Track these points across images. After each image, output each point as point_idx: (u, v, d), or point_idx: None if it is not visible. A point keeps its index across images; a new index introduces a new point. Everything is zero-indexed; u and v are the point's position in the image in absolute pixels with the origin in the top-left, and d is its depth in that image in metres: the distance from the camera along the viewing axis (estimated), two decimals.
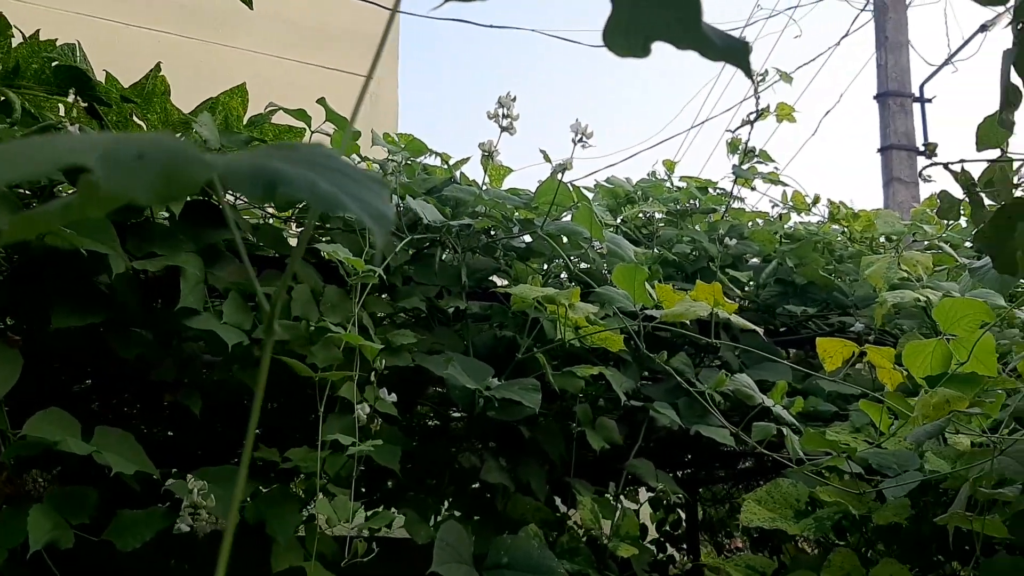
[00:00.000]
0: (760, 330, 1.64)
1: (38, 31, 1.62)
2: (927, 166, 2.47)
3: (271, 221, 1.95)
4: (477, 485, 2.05)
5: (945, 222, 2.15)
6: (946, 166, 1.29)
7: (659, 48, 0.57)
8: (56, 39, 1.59)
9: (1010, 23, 1.17)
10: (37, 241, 1.39)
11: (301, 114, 1.84)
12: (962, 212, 2.04)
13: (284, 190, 0.31)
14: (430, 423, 2.39)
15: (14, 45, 1.61)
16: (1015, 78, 1.21)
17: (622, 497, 1.95)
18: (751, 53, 0.56)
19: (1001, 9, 1.21)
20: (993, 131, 1.36)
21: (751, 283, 2.13)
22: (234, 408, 1.97)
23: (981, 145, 1.38)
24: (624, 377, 1.79)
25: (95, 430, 1.43)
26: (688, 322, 1.63)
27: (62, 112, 1.73)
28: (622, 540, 1.65)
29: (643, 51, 0.55)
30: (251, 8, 1.28)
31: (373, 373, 1.52)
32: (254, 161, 0.32)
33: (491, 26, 3.53)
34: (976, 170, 1.45)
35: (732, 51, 0.54)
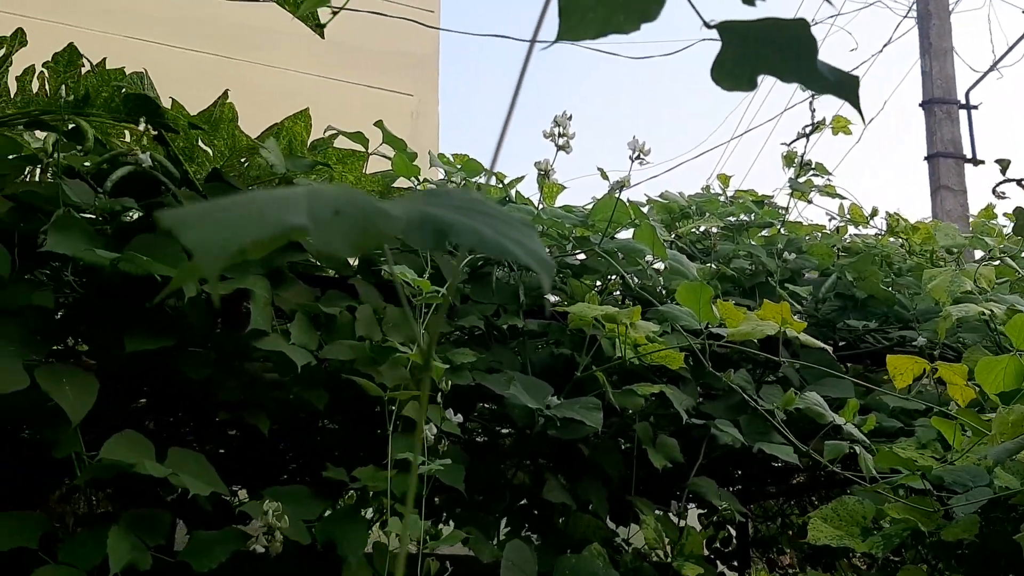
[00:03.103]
0: (829, 348, 1.62)
1: (104, 60, 1.67)
2: (1001, 183, 2.45)
3: None
4: (524, 502, 2.06)
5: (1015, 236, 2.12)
6: (1019, 182, 1.27)
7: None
8: (123, 67, 1.63)
9: None
10: (111, 267, 1.43)
11: (359, 137, 1.87)
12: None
13: (453, 239, 0.33)
14: (478, 439, 2.40)
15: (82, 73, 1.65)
16: None
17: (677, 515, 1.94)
18: (859, 87, 0.56)
19: None
20: None
21: (809, 297, 2.12)
22: (291, 426, 2.00)
23: None
24: (684, 395, 1.78)
25: (168, 451, 1.45)
26: (755, 340, 1.63)
27: (127, 138, 1.78)
28: (687, 559, 1.64)
29: (750, 85, 0.56)
30: (323, 37, 1.31)
31: (440, 393, 1.53)
32: (422, 212, 0.33)
33: (530, 40, 3.52)
34: None
35: (842, 85, 0.54)
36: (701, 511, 3.04)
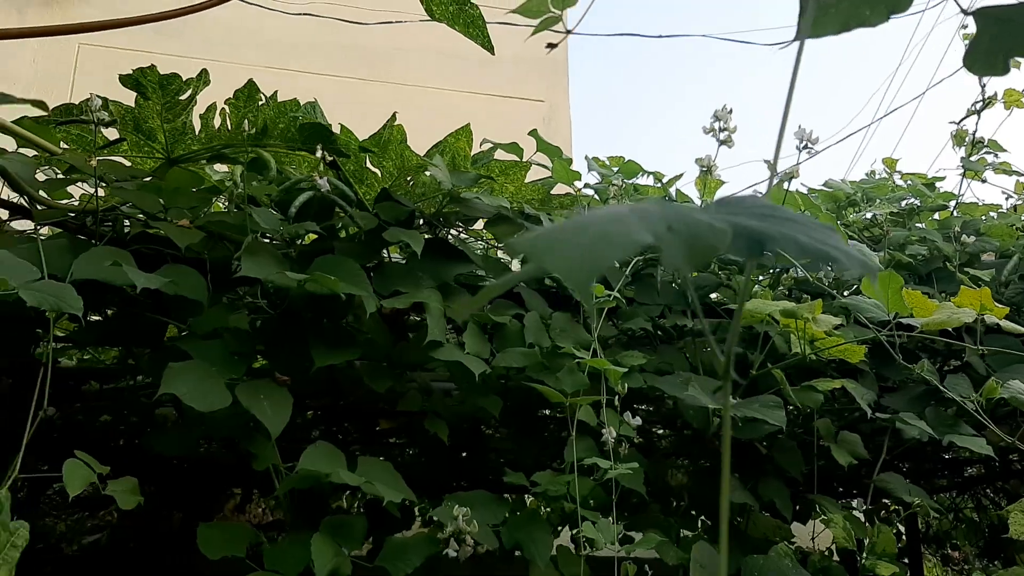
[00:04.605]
0: None
1: (276, 92, 1.75)
2: None
3: (489, 252, 2.02)
4: (684, 503, 2.03)
5: None
6: None
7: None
8: (296, 98, 1.71)
9: None
10: (298, 288, 1.49)
11: (514, 148, 1.89)
12: None
13: (771, 248, 0.33)
14: (636, 440, 2.39)
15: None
16: None
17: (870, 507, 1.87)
18: None
19: None
20: None
21: (991, 281, 2.00)
22: (458, 433, 2.05)
23: None
24: (865, 389, 1.72)
25: (358, 460, 1.51)
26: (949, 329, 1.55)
27: (297, 165, 1.86)
28: (879, 558, 1.58)
29: (1004, 69, 0.54)
30: (492, 53, 1.34)
31: (617, 397, 1.53)
32: (735, 223, 0.34)
33: (661, 36, 3.49)
34: None
35: None
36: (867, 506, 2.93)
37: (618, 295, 1.58)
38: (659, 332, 1.91)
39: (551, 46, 1.20)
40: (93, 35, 5.91)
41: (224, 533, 1.44)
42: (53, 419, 1.98)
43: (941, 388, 1.67)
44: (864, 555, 1.60)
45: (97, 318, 1.82)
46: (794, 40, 0.54)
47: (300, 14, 5.74)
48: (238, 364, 1.49)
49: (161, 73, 1.50)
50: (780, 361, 1.65)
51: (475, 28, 1.28)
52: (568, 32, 1.39)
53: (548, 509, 1.60)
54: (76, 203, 1.72)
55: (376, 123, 1.70)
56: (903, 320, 1.54)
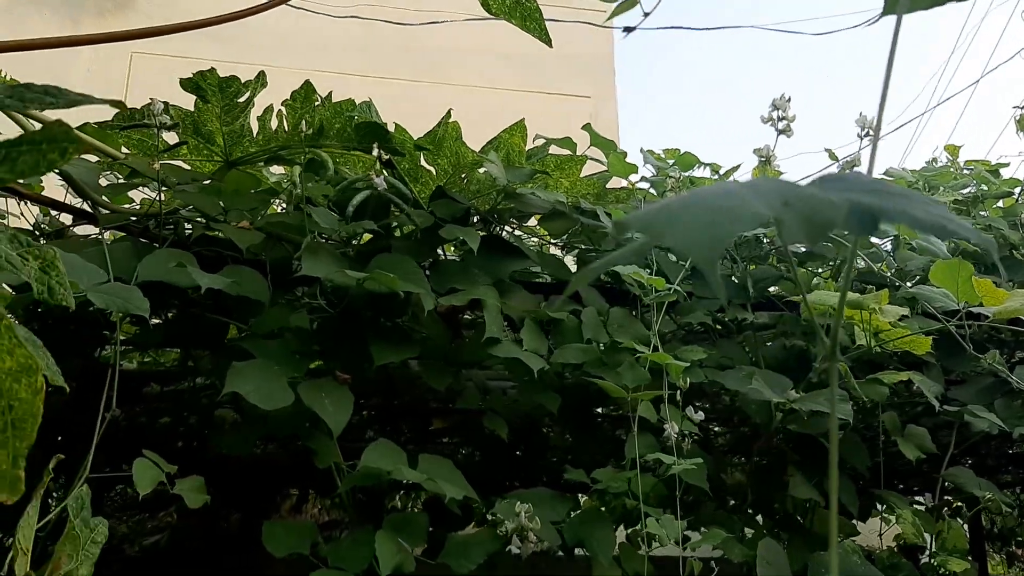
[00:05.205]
0: None
1: (331, 93, 1.76)
2: None
3: (543, 248, 2.01)
4: (742, 501, 2.00)
5: None
6: None
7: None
8: (351, 98, 1.72)
9: None
10: (357, 287, 1.50)
11: (567, 142, 1.88)
12: None
13: (886, 222, 0.31)
14: (695, 437, 2.36)
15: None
16: None
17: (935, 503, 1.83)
18: None
19: None
20: None
21: None
22: (515, 431, 2.04)
23: None
24: (931, 381, 1.68)
25: (419, 458, 1.52)
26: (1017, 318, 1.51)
27: (354, 165, 1.87)
28: (951, 554, 1.54)
29: None
30: (551, 46, 1.33)
31: (679, 392, 1.51)
32: (849, 199, 0.32)
33: (706, 28, 3.45)
34: None
35: None
36: (929, 503, 2.86)
37: (678, 288, 1.56)
38: (719, 327, 1.88)
39: (628, 30, 1.19)
40: (145, 43, 6.03)
41: (289, 530, 1.45)
42: (118, 421, 2.02)
43: (1011, 379, 1.62)
44: (931, 551, 1.56)
45: (157, 321, 1.85)
46: (884, 15, 0.52)
47: (347, 16, 5.77)
48: (300, 363, 1.50)
49: (220, 76, 1.52)
50: (844, 354, 1.61)
51: (532, 21, 1.27)
52: (646, 14, 1.38)
53: (603, 508, 1.58)
54: (138, 207, 1.75)
55: (424, 123, 1.70)
56: (973, 310, 1.50)
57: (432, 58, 5.90)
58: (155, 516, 3.02)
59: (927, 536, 1.58)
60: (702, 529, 1.73)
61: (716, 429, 2.32)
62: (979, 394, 1.76)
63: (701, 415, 1.50)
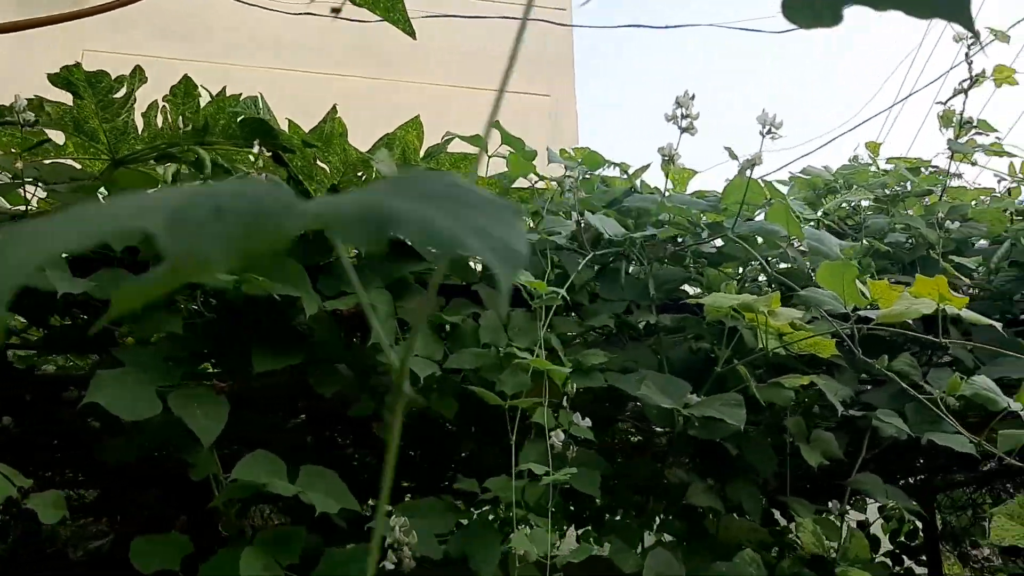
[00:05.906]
0: (998, 324, 1.43)
1: (224, 88, 1.70)
2: None
3: None
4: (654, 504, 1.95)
5: None
6: None
7: (845, 24, 0.48)
8: (240, 94, 1.65)
9: None
10: (233, 289, 1.44)
11: (477, 140, 1.83)
12: None
13: (395, 232, 0.26)
14: (633, 439, 2.30)
15: (202, 105, 1.69)
16: None
17: (848, 510, 1.78)
18: (970, 4, 0.45)
19: None
20: None
21: (980, 269, 1.90)
22: (432, 437, 1.99)
23: None
24: (839, 385, 1.63)
25: (300, 469, 1.46)
26: (910, 320, 1.46)
27: (245, 163, 1.81)
28: (852, 564, 1.50)
29: (833, 19, 0.47)
30: (414, 38, 1.27)
31: (565, 397, 1.46)
32: (365, 204, 0.27)
33: (666, 27, 3.42)
34: None
35: (950, 4, 0.44)
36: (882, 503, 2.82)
37: (565, 293, 1.51)
38: (629, 329, 1.83)
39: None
40: (99, 41, 5.94)
41: (156, 545, 1.39)
42: (8, 429, 1.95)
43: (919, 383, 1.58)
44: (837, 561, 1.52)
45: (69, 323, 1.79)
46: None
47: (302, 13, 5.71)
48: (173, 370, 1.44)
49: (87, 71, 1.46)
50: (745, 357, 1.57)
51: (395, 12, 1.22)
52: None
53: (491, 518, 1.53)
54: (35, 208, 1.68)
55: (382, 121, 1.64)
56: (863, 313, 1.45)
57: (394, 56, 5.84)
58: (99, 520, 2.96)
59: (829, 544, 1.53)
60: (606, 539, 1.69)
61: (659, 429, 2.27)
62: (891, 398, 1.71)
63: (588, 422, 1.45)
